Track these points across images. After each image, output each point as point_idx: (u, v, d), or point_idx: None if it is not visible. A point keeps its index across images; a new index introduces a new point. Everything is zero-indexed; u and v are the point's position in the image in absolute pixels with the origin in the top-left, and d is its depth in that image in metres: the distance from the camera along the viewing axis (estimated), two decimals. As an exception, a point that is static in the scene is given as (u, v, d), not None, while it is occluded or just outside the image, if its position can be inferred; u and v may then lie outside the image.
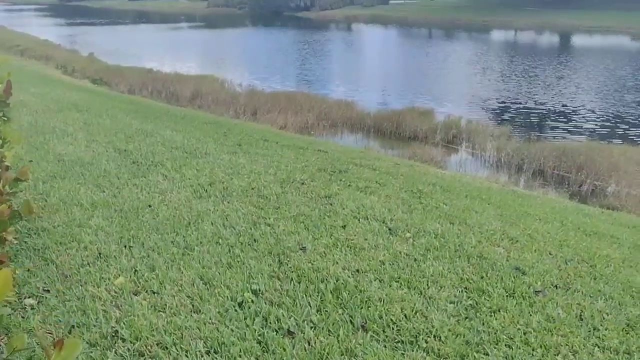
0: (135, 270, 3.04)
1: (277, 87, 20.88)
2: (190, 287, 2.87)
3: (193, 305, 2.71)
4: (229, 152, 6.05)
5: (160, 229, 3.61)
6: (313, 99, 16.13)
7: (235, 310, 2.67)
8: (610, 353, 2.45)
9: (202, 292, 2.82)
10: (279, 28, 62.18)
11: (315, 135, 13.21)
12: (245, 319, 2.60)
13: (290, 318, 2.62)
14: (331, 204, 4.31)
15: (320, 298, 2.81)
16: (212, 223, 3.72)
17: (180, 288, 2.87)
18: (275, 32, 56.41)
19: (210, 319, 2.59)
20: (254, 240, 3.49)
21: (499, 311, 2.75)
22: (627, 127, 15.38)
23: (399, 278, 3.06)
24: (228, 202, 4.19)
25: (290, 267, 3.13)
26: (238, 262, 3.18)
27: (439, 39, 50.65)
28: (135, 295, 2.80)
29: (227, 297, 2.78)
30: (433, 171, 7.87)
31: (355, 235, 3.65)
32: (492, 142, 12.22)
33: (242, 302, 2.74)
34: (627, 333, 2.65)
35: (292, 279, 3.00)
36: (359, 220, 3.98)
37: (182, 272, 3.03)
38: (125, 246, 3.34)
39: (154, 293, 2.82)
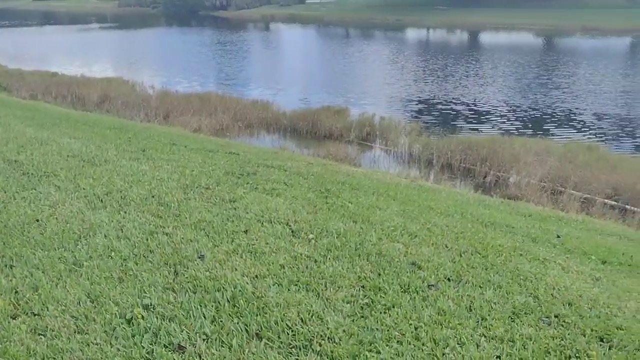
0: (16, 291, 2.83)
1: (195, 89, 20.40)
2: (76, 306, 2.70)
3: (77, 326, 2.55)
4: (131, 159, 5.81)
5: (47, 244, 3.38)
6: (228, 100, 15.92)
7: (124, 328, 2.53)
8: (496, 342, 2.55)
9: (89, 311, 2.66)
10: (194, 28, 60.89)
11: (231, 136, 13.03)
12: (133, 336, 2.48)
13: (182, 332, 2.53)
14: (235, 209, 4.24)
15: (216, 308, 2.73)
16: (105, 236, 3.54)
17: (64, 308, 2.69)
18: (191, 32, 55.21)
19: (95, 339, 2.45)
20: (150, 251, 3.35)
21: (393, 307, 2.80)
22: (528, 120, 16.37)
23: (297, 281, 3.04)
24: (125, 212, 4.00)
25: (187, 278, 3.03)
26: (130, 275, 3.03)
27: (356, 38, 51.59)
28: (14, 318, 2.60)
29: (116, 314, 2.64)
30: (345, 169, 7.97)
31: (257, 240, 3.60)
32: (404, 138, 12.59)
33: (132, 318, 2.61)
34: (512, 321, 2.77)
35: (187, 290, 2.90)
36: (262, 223, 3.94)
37: (68, 291, 2.84)
38: (6, 265, 3.10)
39: (34, 315, 2.63)
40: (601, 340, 2.68)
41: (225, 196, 4.55)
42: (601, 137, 14.79)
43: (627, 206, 9.00)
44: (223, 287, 2.92)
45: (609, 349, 2.60)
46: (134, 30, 58.96)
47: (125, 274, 3.05)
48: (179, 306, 2.74)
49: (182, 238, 3.56)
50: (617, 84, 23.36)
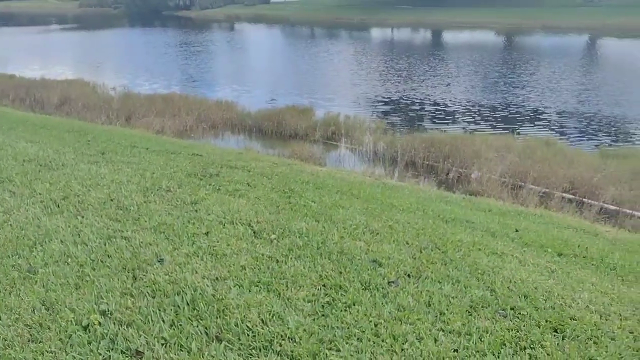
0: (-33, 301, 2.74)
1: (158, 90, 20.09)
2: (30, 314, 2.63)
3: (31, 335, 2.48)
4: (90, 162, 5.69)
5: (1, 252, 3.28)
6: (192, 101, 15.75)
7: (79, 335, 2.48)
8: (453, 336, 2.60)
9: (43, 319, 2.60)
10: (158, 28, 60.01)
11: (195, 138, 12.89)
12: (89, 343, 2.43)
13: (140, 337, 2.49)
14: (196, 211, 4.20)
15: (175, 312, 2.70)
16: (61, 241, 3.45)
17: (18, 316, 2.62)
18: (155, 32, 54.39)
19: (49, 347, 2.39)
20: (108, 256, 3.29)
21: (354, 305, 2.82)
22: (490, 117, 16.71)
23: (259, 282, 3.03)
24: (82, 217, 3.91)
25: (146, 282, 2.99)
26: (87, 281, 2.97)
27: (321, 37, 51.69)
28: (-37, 331, 2.52)
29: (71, 321, 2.58)
30: (310, 169, 7.99)
31: (218, 242, 3.57)
32: (369, 136, 12.68)
33: (88, 325, 2.56)
34: (469, 315, 2.83)
35: (146, 295, 2.86)
36: (224, 225, 3.91)
37: (22, 299, 2.77)
38: (-43, 275, 3.00)
39: (-14, 325, 2.55)
40: (555, 330, 2.76)
41: (187, 198, 4.50)
42: (559, 132, 15.22)
43: (583, 199, 9.29)
44: (183, 291, 2.90)
45: (562, 339, 2.68)
46: (95, 31, 57.74)
47: (82, 280, 2.99)
48: (137, 311, 2.70)
49: (141, 242, 3.51)
50: (576, 81, 24.04)
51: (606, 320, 2.99)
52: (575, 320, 2.89)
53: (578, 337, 2.71)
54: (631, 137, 15.20)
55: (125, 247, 3.42)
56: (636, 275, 4.12)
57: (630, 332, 2.88)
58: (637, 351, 2.68)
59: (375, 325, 2.64)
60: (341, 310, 2.77)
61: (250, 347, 2.45)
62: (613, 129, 16.02)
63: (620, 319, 3.04)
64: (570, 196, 9.40)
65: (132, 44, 42.93)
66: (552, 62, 30.86)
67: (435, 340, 2.55)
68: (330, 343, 2.49)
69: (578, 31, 52.61)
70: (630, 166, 10.46)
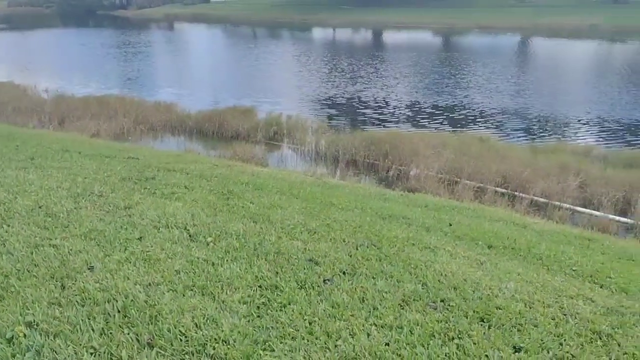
0: None
1: (94, 92, 19.39)
2: (-51, 330, 2.50)
3: (-50, 351, 2.36)
4: (18, 168, 5.45)
5: None
6: (129, 103, 15.33)
7: (3, 348, 2.38)
8: (385, 330, 2.67)
9: (-37, 334, 2.48)
10: (93, 28, 58.00)
11: (133, 140, 12.55)
12: (13, 356, 2.33)
13: (68, 347, 2.42)
14: (130, 215, 4.10)
15: (105, 320, 2.64)
16: (-17, 252, 3.30)
17: None
18: (90, 32, 52.57)
19: (-31, 363, 2.29)
20: (35, 265, 3.16)
21: (289, 304, 2.84)
22: (426, 114, 17.17)
23: (193, 286, 3.00)
24: (8, 226, 3.75)
25: (75, 291, 2.90)
26: (12, 292, 2.85)
27: (263, 38, 51.46)
28: None
29: (-6, 335, 2.47)
30: (251, 170, 7.95)
31: (152, 246, 3.51)
32: (311, 136, 12.75)
33: (12, 337, 2.46)
34: (402, 308, 2.91)
35: (75, 304, 2.78)
36: (158, 229, 3.84)
37: (-60, 314, 2.63)
38: None
39: None
40: (482, 320, 2.88)
41: (120, 203, 4.39)
42: (494, 129, 15.83)
43: (515, 193, 9.72)
44: (113, 298, 2.83)
45: (489, 328, 2.80)
46: (27, 31, 55.12)
47: (7, 291, 2.86)
48: (66, 321, 2.62)
49: (71, 249, 3.40)
50: (509, 81, 25.05)
51: (530, 308, 3.14)
52: (501, 309, 3.02)
53: (503, 325, 2.84)
54: (559, 133, 16.02)
55: (54, 256, 3.30)
56: (560, 265, 4.35)
57: (552, 319, 3.04)
58: (558, 336, 2.83)
59: (310, 324, 2.67)
60: (276, 311, 2.78)
61: (183, 352, 2.43)
62: (543, 125, 16.83)
63: (544, 307, 3.21)
64: (503, 190, 9.81)
65: (66, 45, 41.28)
66: (487, 62, 32.01)
67: (368, 335, 2.61)
68: (265, 343, 2.50)
69: (511, 31, 54.80)
70: (558, 160, 11.02)
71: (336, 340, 2.55)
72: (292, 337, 2.55)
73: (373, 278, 3.23)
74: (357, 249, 3.75)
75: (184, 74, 27.27)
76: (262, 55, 34.40)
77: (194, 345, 2.46)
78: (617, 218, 9.13)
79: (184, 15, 76.04)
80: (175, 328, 2.58)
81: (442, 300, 3.03)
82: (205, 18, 72.30)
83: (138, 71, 26.94)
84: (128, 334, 2.53)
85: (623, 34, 49.68)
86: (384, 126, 15.32)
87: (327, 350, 2.47)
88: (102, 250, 3.41)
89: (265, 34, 54.84)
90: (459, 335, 2.67)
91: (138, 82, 23.58)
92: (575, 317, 3.04)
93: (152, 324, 2.62)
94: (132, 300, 2.82)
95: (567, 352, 2.63)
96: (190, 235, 3.76)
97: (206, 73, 27.54)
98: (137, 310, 2.72)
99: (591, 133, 16.05)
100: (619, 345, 2.77)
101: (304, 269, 3.29)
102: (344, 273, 3.29)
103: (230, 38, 51.32)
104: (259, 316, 2.74)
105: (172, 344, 2.47)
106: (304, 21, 66.50)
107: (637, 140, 15.20)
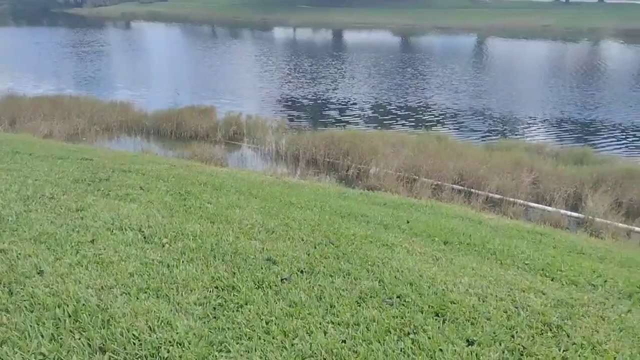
0: None
1: (48, 93, 18.77)
2: None
3: None
4: (-38, 171, 5.22)
5: None
6: (84, 103, 14.93)
7: (-56, 359, 2.28)
8: (342, 327, 2.68)
9: None
10: (47, 27, 56.20)
11: (87, 141, 12.22)
12: (-44, 366, 2.24)
13: (16, 354, 2.33)
14: (82, 218, 3.99)
15: (55, 325, 2.56)
16: None
17: None
18: (44, 31, 50.90)
19: None
20: (-20, 271, 3.04)
21: (246, 305, 2.82)
22: (387, 114, 17.37)
23: (147, 288, 2.94)
24: (-49, 231, 3.59)
25: (23, 296, 2.80)
26: (-45, 300, 2.73)
27: (223, 37, 50.96)
28: None
29: None
30: (210, 170, 7.86)
31: (105, 249, 3.42)
32: (271, 136, 12.70)
33: (-45, 347, 2.36)
34: (358, 305, 2.93)
35: (23, 309, 2.68)
36: (112, 231, 3.75)
37: None
38: None
39: None
40: (437, 315, 2.93)
41: (72, 205, 4.27)
42: (451, 128, 16.15)
43: (471, 190, 9.94)
44: (64, 303, 2.75)
45: (443, 322, 2.85)
46: (-25, 29, 52.96)
47: (-51, 299, 2.74)
48: (13, 327, 2.53)
49: (19, 254, 3.28)
50: (466, 81, 25.57)
51: (483, 302, 3.21)
52: (456, 303, 3.08)
53: (457, 319, 2.89)
54: (514, 131, 16.47)
55: (1, 260, 3.17)
56: (513, 259, 4.46)
57: (505, 312, 3.12)
58: (509, 329, 2.90)
59: (267, 323, 2.66)
60: (233, 311, 2.76)
61: (137, 356, 2.38)
62: (499, 124, 17.27)
63: (496, 300, 3.28)
64: (460, 187, 10.01)
65: (19, 44, 39.80)
66: (446, 62, 32.62)
67: (325, 333, 2.61)
68: (221, 345, 2.47)
69: (467, 31, 56.00)
70: (512, 157, 11.32)
71: (293, 339, 2.55)
72: (249, 338, 2.53)
73: (331, 276, 3.25)
74: (315, 247, 3.75)
75: (142, 73, 26.73)
76: (222, 55, 34.05)
77: (148, 349, 2.42)
78: (569, 213, 9.46)
79: (141, 14, 74.54)
80: (128, 332, 2.53)
81: (398, 296, 3.06)
82: (163, 17, 71.09)
83: (94, 71, 26.26)
84: (79, 339, 2.46)
85: (575, 34, 51.50)
86: (345, 126, 15.42)
87: (284, 350, 2.46)
88: (52, 254, 3.31)
89: (225, 33, 54.33)
90: (414, 330, 2.71)
91: (94, 82, 23.00)
92: (527, 310, 3.12)
93: (104, 328, 2.55)
94: (83, 304, 2.74)
95: (519, 344, 2.70)
96: (145, 237, 3.69)
97: (165, 73, 27.09)
98: (89, 315, 2.65)
99: (544, 131, 16.57)
100: (568, 336, 2.86)
101: (262, 268, 3.28)
102: (301, 272, 3.29)
103: (189, 37, 50.63)
104: (215, 317, 2.70)
105: (125, 348, 2.42)
106: (264, 20, 66.24)
107: (587, 137, 15.78)
